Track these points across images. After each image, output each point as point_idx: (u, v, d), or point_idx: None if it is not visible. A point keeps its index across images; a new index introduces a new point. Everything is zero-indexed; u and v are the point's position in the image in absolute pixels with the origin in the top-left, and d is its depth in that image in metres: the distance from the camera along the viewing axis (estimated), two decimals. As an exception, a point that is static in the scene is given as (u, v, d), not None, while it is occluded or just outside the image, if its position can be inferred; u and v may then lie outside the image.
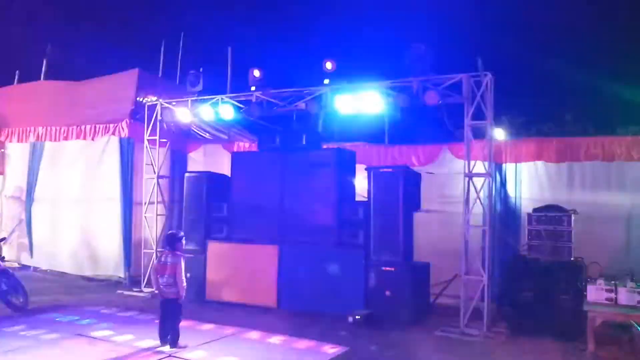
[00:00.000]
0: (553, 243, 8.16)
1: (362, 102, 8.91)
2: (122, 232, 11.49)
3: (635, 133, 9.57)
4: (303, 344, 7.29)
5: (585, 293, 7.24)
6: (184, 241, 7.41)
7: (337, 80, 9.19)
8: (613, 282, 7.09)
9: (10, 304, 8.71)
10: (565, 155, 9.45)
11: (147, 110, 11.10)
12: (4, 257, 9.67)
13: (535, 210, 8.54)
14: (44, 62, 14.10)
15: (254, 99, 9.81)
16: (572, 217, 8.17)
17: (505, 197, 9.94)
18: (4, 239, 10.40)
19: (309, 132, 10.22)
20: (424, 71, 8.41)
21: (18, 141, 13.32)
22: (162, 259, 7.01)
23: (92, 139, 11.92)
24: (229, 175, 10.74)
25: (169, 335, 6.85)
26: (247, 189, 10.23)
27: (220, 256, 10.20)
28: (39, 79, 13.93)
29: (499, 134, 9.82)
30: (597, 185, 9.23)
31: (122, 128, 11.45)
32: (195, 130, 12.17)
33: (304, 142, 9.93)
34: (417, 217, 9.45)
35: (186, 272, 7.06)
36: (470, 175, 8.40)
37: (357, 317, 8.47)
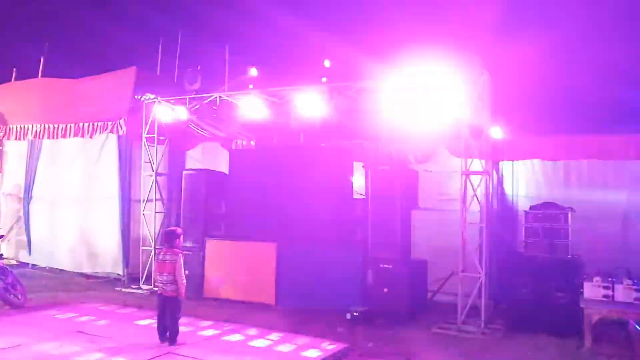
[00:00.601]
0: (550, 240, 8.19)
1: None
2: (120, 230, 11.50)
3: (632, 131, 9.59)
4: (301, 340, 7.31)
5: (582, 290, 7.28)
6: (182, 238, 7.41)
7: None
8: (610, 279, 7.14)
9: (9, 301, 8.72)
10: (562, 153, 9.48)
11: (145, 108, 11.11)
12: (2, 255, 9.69)
13: (532, 207, 8.58)
14: (41, 59, 14.07)
15: (251, 97, 9.81)
16: (569, 215, 8.21)
17: (502, 195, 9.97)
18: (2, 236, 10.41)
19: (307, 130, 10.24)
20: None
21: (16, 139, 13.28)
22: (161, 256, 7.01)
23: (90, 137, 11.90)
24: (227, 173, 10.75)
25: (168, 332, 6.87)
26: (245, 186, 10.25)
27: (218, 253, 10.22)
28: (37, 76, 13.91)
29: (496, 131, 9.85)
30: (593, 183, 9.26)
31: (120, 126, 11.44)
32: (193, 128, 12.18)
33: (301, 140, 9.96)
34: (415, 214, 9.48)
35: (185, 269, 7.07)
36: (467, 173, 8.43)
37: (354, 314, 8.51)
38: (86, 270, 12.08)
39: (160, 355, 6.47)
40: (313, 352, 6.79)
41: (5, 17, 17.36)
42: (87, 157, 12.29)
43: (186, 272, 7.02)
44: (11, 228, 13.10)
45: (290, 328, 7.94)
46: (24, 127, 13.04)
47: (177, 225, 10.63)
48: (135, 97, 11.45)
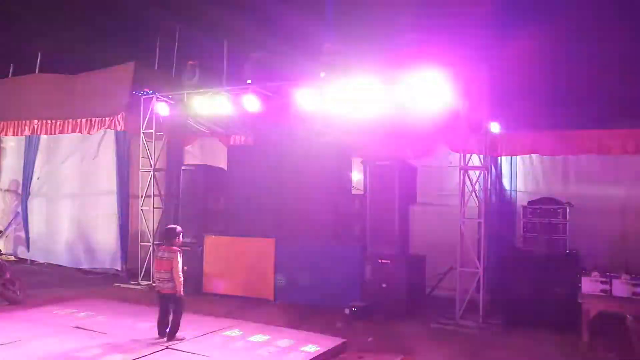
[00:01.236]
0: (548, 235, 8.21)
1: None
2: (118, 225, 11.51)
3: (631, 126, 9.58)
4: (300, 335, 7.32)
5: (579, 285, 7.29)
6: (181, 236, 7.39)
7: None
8: (607, 274, 7.15)
9: (7, 298, 8.73)
10: (561, 148, 9.47)
11: (143, 103, 11.08)
12: (0, 251, 9.68)
13: (530, 202, 8.59)
14: (39, 55, 14.03)
15: (250, 92, 9.79)
16: (567, 210, 8.22)
17: (500, 190, 9.96)
18: (0, 232, 10.40)
19: (306, 125, 10.21)
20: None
21: (13, 134, 13.26)
22: (159, 254, 7.01)
23: (88, 133, 11.88)
24: (226, 169, 10.73)
25: (168, 328, 6.88)
26: (243, 182, 10.24)
27: (217, 249, 10.22)
28: (34, 71, 13.87)
29: (494, 126, 9.84)
30: (592, 178, 9.26)
31: (118, 121, 11.42)
32: (192, 124, 12.16)
33: (300, 136, 9.94)
34: (413, 210, 9.48)
35: (183, 265, 7.06)
36: (465, 169, 8.42)
37: (353, 309, 8.52)
38: (85, 266, 12.10)
39: (159, 351, 6.48)
40: (312, 347, 6.79)
41: (3, 12, 17.30)
42: (85, 153, 12.29)
43: (184, 267, 7.01)
44: (9, 224, 13.09)
45: (289, 323, 7.95)
46: (22, 122, 13.01)
47: (176, 221, 10.63)
48: (134, 92, 11.43)
